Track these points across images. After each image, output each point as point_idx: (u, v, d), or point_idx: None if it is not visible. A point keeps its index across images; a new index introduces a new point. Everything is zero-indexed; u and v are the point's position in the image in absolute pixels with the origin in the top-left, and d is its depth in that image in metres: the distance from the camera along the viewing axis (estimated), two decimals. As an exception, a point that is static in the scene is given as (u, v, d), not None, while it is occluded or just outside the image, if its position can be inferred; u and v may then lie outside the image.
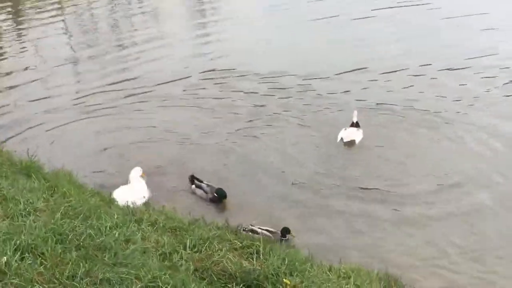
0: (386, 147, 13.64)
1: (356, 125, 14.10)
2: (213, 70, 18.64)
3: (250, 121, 15.33)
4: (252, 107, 16.10)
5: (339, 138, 13.93)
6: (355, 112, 14.19)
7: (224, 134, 14.60)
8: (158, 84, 17.78)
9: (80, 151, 13.86)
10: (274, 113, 15.72)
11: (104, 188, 11.25)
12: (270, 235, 10.14)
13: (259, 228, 10.20)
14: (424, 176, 12.37)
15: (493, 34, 20.48)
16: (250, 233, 9.52)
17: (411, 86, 16.83)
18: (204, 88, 17.48)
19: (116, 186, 11.38)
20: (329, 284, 6.93)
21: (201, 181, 11.93)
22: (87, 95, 17.22)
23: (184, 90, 17.36)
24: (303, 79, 17.62)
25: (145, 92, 17.35)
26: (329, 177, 12.52)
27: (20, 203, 6.82)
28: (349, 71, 17.96)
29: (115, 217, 7.10)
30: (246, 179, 12.60)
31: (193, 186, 11.98)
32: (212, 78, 18.07)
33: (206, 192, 11.65)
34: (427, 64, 18.05)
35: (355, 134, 13.94)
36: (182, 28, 24.02)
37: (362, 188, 12.04)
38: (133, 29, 24.12)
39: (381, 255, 9.72)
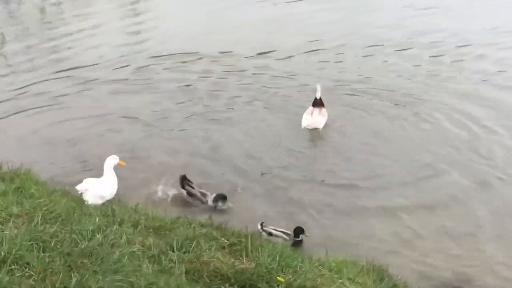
0: (352, 130, 13.68)
1: (320, 102, 13.81)
2: (160, 56, 18.52)
3: (209, 105, 15.18)
4: (210, 91, 15.98)
5: (303, 124, 13.73)
6: (318, 87, 13.93)
7: (185, 120, 14.55)
8: (101, 70, 17.57)
9: (26, 146, 13.28)
10: (234, 96, 15.62)
11: (66, 186, 10.72)
12: (286, 237, 9.93)
13: (274, 229, 9.98)
14: (395, 160, 12.42)
15: (436, 13, 21.13)
16: (266, 235, 9.48)
17: (364, 66, 17.37)
18: (157, 73, 17.31)
19: (77, 182, 10.61)
20: (323, 280, 6.71)
21: (191, 185, 11.27)
22: (24, 87, 16.61)
23: (132, 76, 17.09)
24: (255, 60, 17.75)
25: (92, 80, 16.90)
26: (298, 166, 12.41)
27: (-3, 209, 6.36)
28: (302, 52, 18.38)
29: (96, 219, 6.68)
30: (214, 170, 12.37)
31: (184, 191, 11.28)
32: (160, 63, 17.90)
33: (203, 202, 11.05)
34: (376, 45, 18.34)
35: (319, 121, 13.76)
36: (115, 13, 23.53)
37: (330, 175, 12.06)
38: (64, 17, 23.50)
39: (363, 245, 9.69)
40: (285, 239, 9.83)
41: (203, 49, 18.66)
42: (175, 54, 18.56)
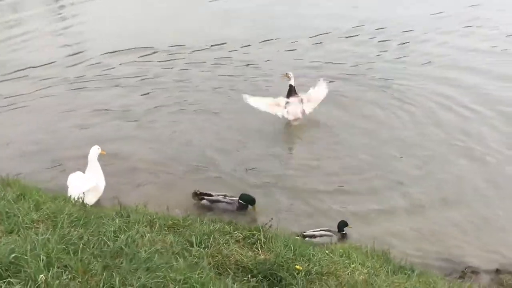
0: (329, 118, 14.08)
1: (294, 91, 13.91)
2: (112, 52, 18.46)
3: (179, 96, 15.52)
4: (175, 81, 16.28)
5: (280, 114, 13.84)
6: (291, 74, 14.04)
7: (156, 111, 14.73)
8: (54, 69, 17.48)
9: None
10: (201, 86, 15.96)
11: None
12: (331, 234, 10.03)
13: (314, 231, 10.05)
14: (379, 149, 12.87)
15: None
16: (309, 238, 9.57)
17: (317, 53, 18.03)
18: (114, 68, 17.37)
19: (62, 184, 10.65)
20: (337, 266, 7.01)
21: (210, 195, 11.01)
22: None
23: (89, 72, 17.12)
24: (211, 51, 18.19)
25: (48, 79, 16.78)
26: (280, 159, 12.69)
27: (18, 216, 6.39)
28: (256, 43, 18.79)
29: (116, 221, 6.80)
30: (196, 167, 12.48)
31: (204, 201, 11.00)
32: (113, 59, 17.96)
33: (229, 203, 10.90)
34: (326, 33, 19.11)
35: (298, 111, 13.90)
36: (46, 17, 23.21)
37: (318, 165, 12.37)
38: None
39: (359, 230, 10.05)
40: (330, 236, 9.94)
41: (154, 43, 18.75)
42: (127, 49, 18.57)
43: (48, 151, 13.12)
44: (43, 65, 17.79)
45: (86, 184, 10.30)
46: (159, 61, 17.77)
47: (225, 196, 11.00)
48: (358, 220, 10.62)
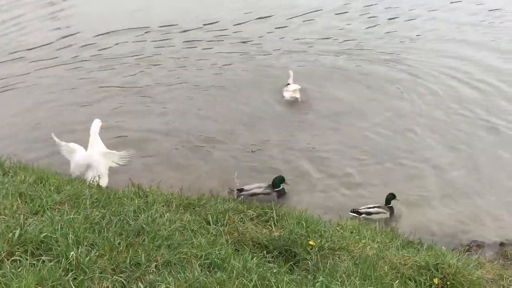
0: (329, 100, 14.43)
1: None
2: (107, 33, 18.53)
3: (180, 79, 15.59)
4: (177, 59, 16.59)
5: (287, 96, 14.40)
6: (291, 73, 14.58)
7: (158, 90, 14.96)
8: (47, 50, 17.57)
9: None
10: (206, 63, 16.35)
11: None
12: (384, 210, 10.28)
13: (368, 207, 10.30)
14: (375, 127, 13.13)
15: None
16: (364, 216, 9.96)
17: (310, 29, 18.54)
18: (109, 47, 17.52)
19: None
20: (347, 241, 7.25)
21: (242, 189, 10.83)
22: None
23: (85, 53, 17.23)
24: (206, 30, 18.56)
25: (46, 60, 16.88)
26: (284, 139, 12.90)
27: (41, 198, 6.63)
28: (249, 21, 19.20)
29: (136, 201, 7.04)
30: (201, 150, 12.68)
31: (242, 196, 10.55)
32: (110, 40, 18.08)
33: (267, 194, 10.76)
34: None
35: (297, 92, 14.39)
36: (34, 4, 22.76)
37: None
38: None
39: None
40: (385, 213, 10.22)
41: (147, 23, 18.99)
42: (120, 30, 18.71)
43: (48, 128, 13.26)
44: (38, 47, 17.84)
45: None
46: (154, 40, 17.93)
47: (259, 186, 10.89)
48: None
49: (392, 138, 12.86)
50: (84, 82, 15.48)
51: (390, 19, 19.25)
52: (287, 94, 14.34)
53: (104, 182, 10.09)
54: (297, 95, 14.28)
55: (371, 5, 20.35)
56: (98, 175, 9.84)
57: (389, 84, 15.14)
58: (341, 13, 19.72)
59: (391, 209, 10.28)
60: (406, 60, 16.35)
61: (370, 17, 19.45)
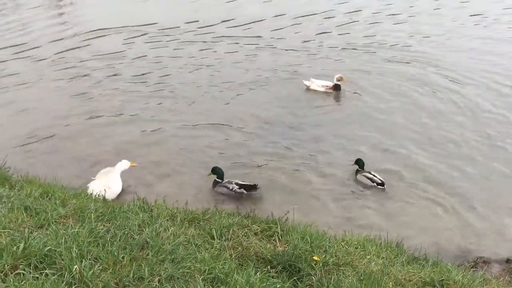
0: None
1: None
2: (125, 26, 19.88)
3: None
4: (199, 51, 18.03)
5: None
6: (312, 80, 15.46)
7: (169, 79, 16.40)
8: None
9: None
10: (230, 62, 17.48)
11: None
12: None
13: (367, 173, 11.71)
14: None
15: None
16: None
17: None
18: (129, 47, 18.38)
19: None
20: (352, 257, 7.22)
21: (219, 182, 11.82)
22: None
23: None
24: (230, 27, 20.06)
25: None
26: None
27: (46, 211, 6.66)
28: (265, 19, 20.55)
29: (141, 215, 7.06)
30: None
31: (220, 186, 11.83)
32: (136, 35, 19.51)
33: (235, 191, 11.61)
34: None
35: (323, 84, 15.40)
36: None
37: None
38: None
39: (374, 222, 10.32)
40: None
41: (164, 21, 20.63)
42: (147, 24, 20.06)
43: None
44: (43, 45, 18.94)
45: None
46: (179, 38, 19.33)
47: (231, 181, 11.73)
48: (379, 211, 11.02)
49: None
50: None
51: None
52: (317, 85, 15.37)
53: (110, 196, 10.21)
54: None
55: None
56: (105, 189, 9.91)
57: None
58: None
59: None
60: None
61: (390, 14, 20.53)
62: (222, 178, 11.78)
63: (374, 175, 11.65)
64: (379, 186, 11.52)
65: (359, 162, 11.95)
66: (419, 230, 10.25)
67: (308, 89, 15.63)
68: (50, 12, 22.76)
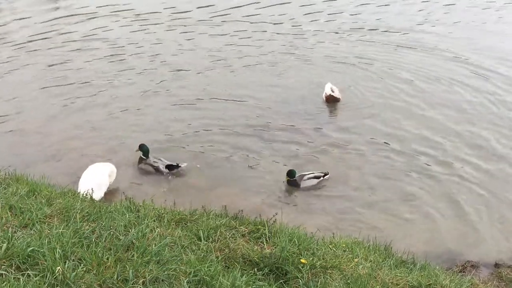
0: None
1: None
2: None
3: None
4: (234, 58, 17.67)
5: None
6: (328, 84, 14.96)
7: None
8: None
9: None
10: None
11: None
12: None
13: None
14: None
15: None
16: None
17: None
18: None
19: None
20: (340, 260, 7.18)
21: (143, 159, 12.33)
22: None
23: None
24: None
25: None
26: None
27: (31, 211, 6.58)
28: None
29: (127, 216, 6.99)
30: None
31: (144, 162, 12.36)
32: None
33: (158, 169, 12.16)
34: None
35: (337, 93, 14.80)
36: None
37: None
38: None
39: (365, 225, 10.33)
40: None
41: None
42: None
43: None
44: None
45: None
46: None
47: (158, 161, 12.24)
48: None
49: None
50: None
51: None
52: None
53: (97, 196, 10.11)
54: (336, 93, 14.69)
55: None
56: (92, 188, 9.78)
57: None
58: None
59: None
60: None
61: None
62: (147, 156, 12.22)
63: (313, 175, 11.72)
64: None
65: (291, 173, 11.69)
66: (408, 233, 10.24)
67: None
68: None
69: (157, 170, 12.08)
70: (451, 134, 13.44)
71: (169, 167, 12.06)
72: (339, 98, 14.69)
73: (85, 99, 15.03)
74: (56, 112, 14.46)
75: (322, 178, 11.65)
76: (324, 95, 14.75)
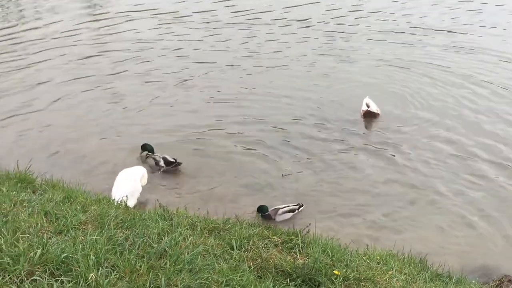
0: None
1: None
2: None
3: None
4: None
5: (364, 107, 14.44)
6: (367, 99, 14.61)
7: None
8: None
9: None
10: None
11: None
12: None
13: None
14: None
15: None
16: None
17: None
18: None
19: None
20: (374, 272, 7.08)
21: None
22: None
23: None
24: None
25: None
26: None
27: (66, 217, 6.64)
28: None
29: (160, 224, 7.01)
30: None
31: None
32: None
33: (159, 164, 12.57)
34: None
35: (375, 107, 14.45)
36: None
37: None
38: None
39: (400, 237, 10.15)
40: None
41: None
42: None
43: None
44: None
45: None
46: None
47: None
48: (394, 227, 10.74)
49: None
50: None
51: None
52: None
53: (132, 203, 10.17)
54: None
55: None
56: (127, 195, 9.86)
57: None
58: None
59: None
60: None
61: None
62: (153, 152, 12.76)
63: None
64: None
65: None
66: (444, 246, 10.07)
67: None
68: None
69: (156, 164, 12.53)
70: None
71: (167, 162, 12.40)
72: (378, 113, 14.39)
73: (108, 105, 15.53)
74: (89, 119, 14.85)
75: (297, 211, 11.29)
76: (361, 111, 14.46)
